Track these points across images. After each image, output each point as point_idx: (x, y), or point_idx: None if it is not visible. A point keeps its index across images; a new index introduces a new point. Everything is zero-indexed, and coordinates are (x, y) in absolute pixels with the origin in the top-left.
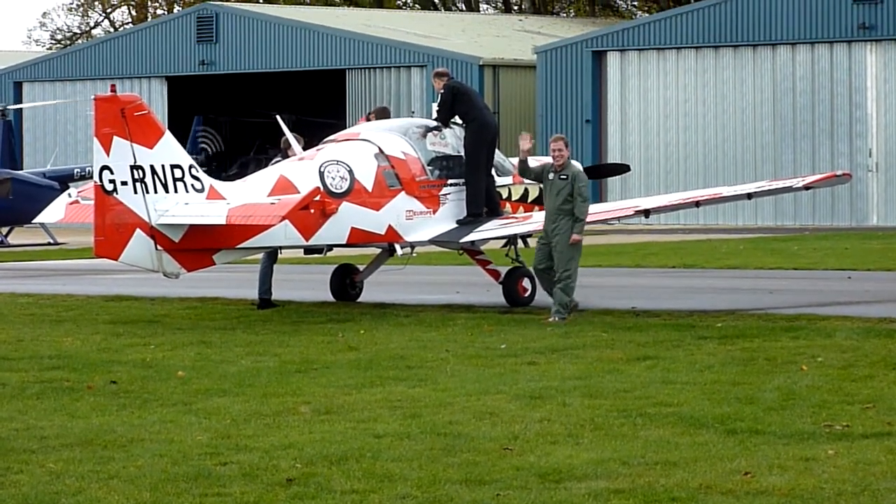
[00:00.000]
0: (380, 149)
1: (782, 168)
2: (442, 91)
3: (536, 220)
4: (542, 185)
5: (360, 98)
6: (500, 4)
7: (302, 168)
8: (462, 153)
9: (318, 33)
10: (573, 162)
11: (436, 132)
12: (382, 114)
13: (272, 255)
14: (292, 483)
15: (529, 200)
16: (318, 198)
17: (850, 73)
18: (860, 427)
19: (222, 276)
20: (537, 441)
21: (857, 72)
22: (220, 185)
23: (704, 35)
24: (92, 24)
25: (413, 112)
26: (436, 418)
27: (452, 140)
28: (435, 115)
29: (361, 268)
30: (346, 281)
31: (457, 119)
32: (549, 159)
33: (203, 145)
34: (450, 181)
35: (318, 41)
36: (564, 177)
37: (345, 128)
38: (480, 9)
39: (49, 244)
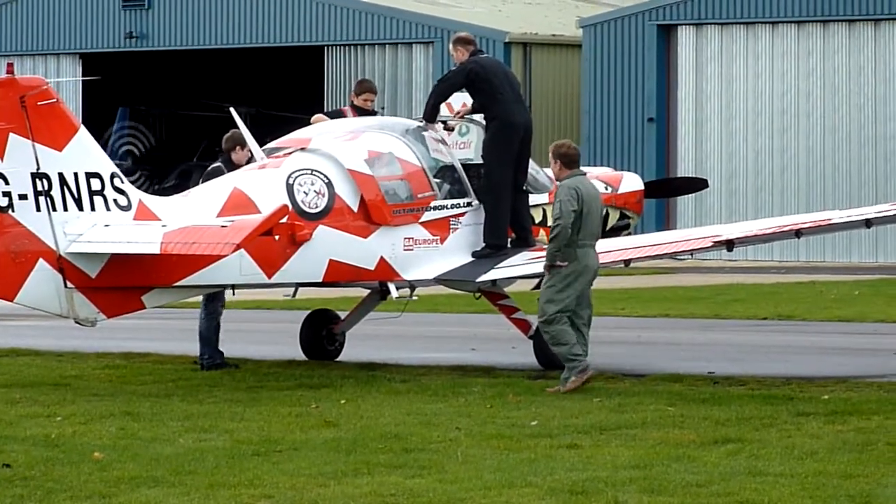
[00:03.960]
0: (340, 162)
1: None
2: (454, 68)
3: None
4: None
5: (343, 84)
6: None
7: (263, 179)
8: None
9: None
10: (583, 173)
11: (445, 130)
12: (362, 88)
13: (218, 298)
14: None
15: None
16: (285, 219)
17: None
18: None
19: (154, 323)
20: None
21: None
22: (152, 202)
23: (809, 5)
24: None
25: (382, 109)
26: None
27: (448, 147)
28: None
29: (343, 315)
30: (321, 333)
31: (470, 115)
32: (603, 171)
33: (129, 146)
34: (463, 199)
35: (288, 8)
36: None
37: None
38: None
39: None
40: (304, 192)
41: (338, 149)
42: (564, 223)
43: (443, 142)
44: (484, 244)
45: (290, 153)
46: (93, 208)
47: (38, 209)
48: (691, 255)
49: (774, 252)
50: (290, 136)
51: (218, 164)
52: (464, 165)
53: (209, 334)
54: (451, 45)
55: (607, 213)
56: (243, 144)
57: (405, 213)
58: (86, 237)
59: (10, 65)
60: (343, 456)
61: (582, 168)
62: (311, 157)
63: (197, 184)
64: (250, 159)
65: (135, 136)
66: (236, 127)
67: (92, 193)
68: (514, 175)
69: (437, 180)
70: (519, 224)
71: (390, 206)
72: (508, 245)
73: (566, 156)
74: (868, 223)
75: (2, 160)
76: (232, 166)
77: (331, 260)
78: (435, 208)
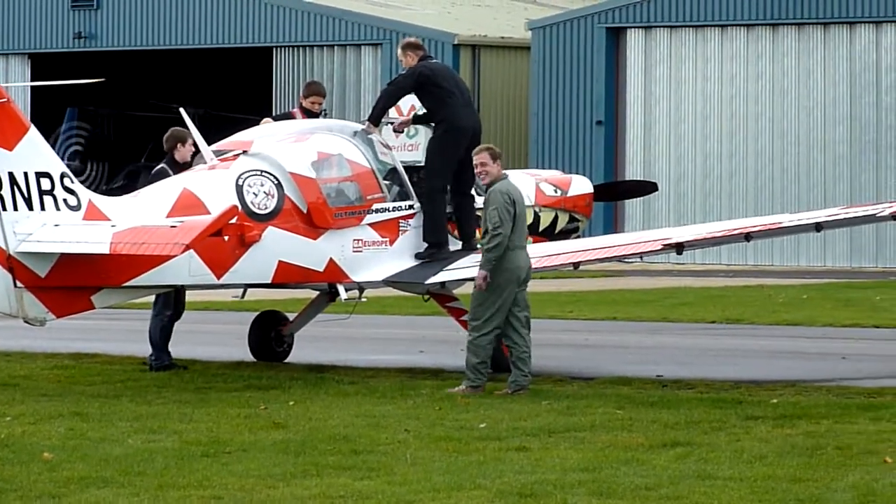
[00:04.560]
0: (282, 165)
1: (861, 189)
2: (404, 72)
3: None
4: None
5: (292, 86)
6: None
7: (213, 180)
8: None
9: None
10: (512, 177)
11: (394, 133)
12: (311, 90)
13: (171, 299)
14: None
15: (540, 230)
16: (234, 220)
17: None
18: None
19: (103, 324)
20: None
21: None
22: (102, 202)
23: (759, 8)
24: None
25: (326, 112)
26: None
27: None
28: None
29: (292, 316)
30: (270, 334)
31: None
32: (552, 174)
33: (77, 147)
34: (407, 202)
35: (236, 9)
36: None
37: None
38: None
39: None
40: (254, 194)
41: (281, 151)
42: (505, 232)
43: (386, 145)
44: (425, 244)
45: (238, 155)
46: (43, 208)
47: None
48: (640, 258)
49: (722, 255)
50: (232, 138)
51: (162, 165)
52: (413, 167)
53: (156, 335)
54: (399, 51)
55: (556, 216)
56: (184, 141)
57: (347, 215)
58: (35, 237)
59: None
60: (292, 457)
61: (529, 171)
62: (260, 158)
63: (145, 185)
64: (194, 154)
65: (83, 136)
66: (185, 127)
67: (42, 193)
68: (461, 179)
69: (387, 182)
70: (463, 227)
71: (332, 209)
72: (448, 242)
73: (500, 155)
74: (818, 227)
75: None
76: (176, 165)
77: (280, 261)
78: (378, 211)
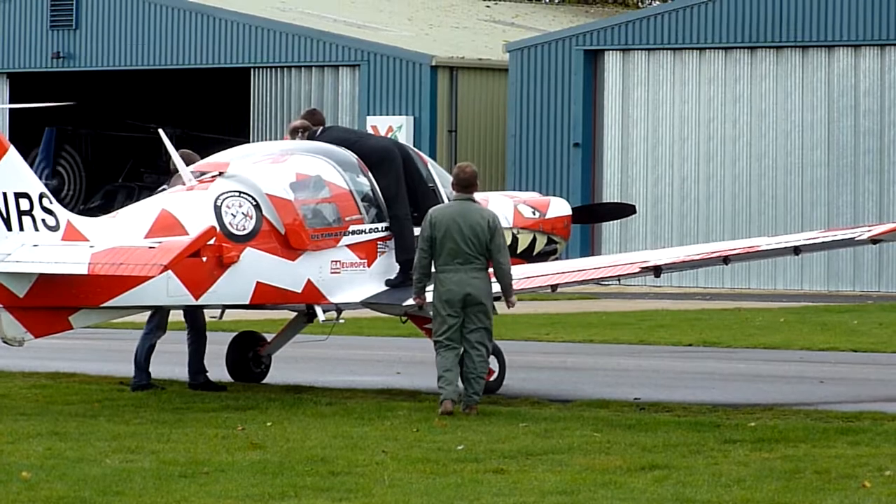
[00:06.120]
0: (259, 187)
1: (839, 213)
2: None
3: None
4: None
5: (270, 106)
6: None
7: (191, 201)
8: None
9: (214, 19)
10: (467, 198)
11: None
12: (312, 118)
13: (165, 321)
14: None
15: (519, 252)
16: (212, 241)
17: None
18: None
19: (81, 343)
20: None
21: None
22: (80, 222)
23: (736, 32)
24: None
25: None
26: None
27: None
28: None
29: (269, 337)
30: (248, 355)
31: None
32: (530, 196)
33: (58, 167)
34: (384, 224)
35: (214, 30)
36: None
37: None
38: None
39: None
40: (232, 215)
41: (259, 172)
42: (418, 256)
43: (363, 167)
44: (398, 264)
45: (215, 176)
46: (21, 228)
47: None
48: (618, 280)
49: (699, 278)
50: (208, 159)
51: (166, 186)
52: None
53: (142, 356)
54: (288, 136)
55: (534, 238)
56: (192, 164)
57: (324, 237)
58: (14, 257)
59: None
60: (270, 478)
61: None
62: (238, 179)
63: (123, 204)
64: (172, 174)
65: (61, 156)
66: (163, 147)
67: (21, 213)
68: (415, 200)
69: (365, 204)
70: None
71: (309, 230)
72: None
73: (455, 176)
74: (796, 250)
75: None
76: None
77: (258, 282)
78: (356, 232)
